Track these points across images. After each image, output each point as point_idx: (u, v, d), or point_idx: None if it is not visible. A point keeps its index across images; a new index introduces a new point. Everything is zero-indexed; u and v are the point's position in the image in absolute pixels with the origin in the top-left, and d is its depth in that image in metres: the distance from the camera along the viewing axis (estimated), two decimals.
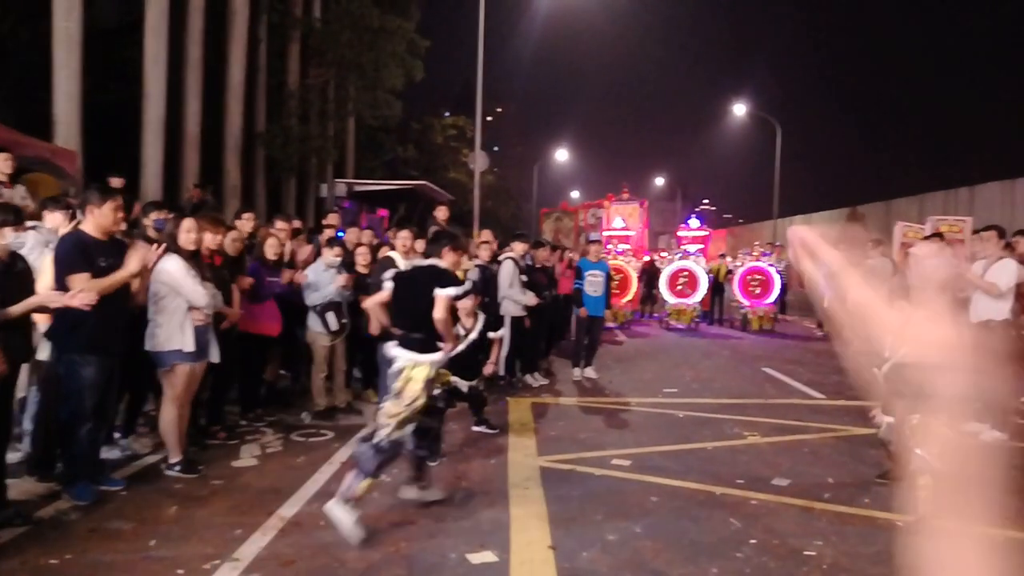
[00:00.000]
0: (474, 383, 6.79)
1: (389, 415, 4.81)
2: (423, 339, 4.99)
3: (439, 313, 4.90)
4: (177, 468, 5.64)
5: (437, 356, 5.02)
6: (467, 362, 6.73)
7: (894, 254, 15.81)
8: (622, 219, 21.12)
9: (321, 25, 23.56)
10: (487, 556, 4.38)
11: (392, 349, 5.06)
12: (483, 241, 9.34)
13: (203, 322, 5.65)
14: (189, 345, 5.55)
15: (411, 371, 4.91)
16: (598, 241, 11.99)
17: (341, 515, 4.50)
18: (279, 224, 8.09)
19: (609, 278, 10.78)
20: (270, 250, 7.38)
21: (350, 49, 22.63)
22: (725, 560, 4.40)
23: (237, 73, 20.86)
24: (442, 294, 4.92)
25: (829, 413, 8.53)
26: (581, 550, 4.49)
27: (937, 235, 11.72)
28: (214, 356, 5.85)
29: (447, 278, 5.05)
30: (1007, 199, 18.01)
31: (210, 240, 6.13)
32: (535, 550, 4.48)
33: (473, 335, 6.76)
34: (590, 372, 10.50)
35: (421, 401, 4.89)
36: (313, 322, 7.52)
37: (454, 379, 6.56)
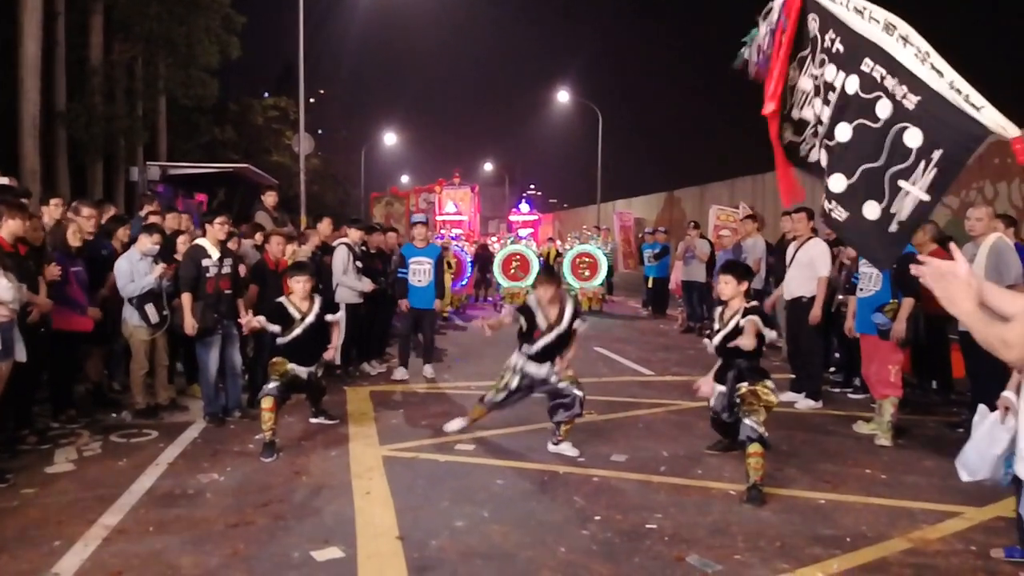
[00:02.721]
0: (312, 369, 6.54)
1: None
2: None
3: None
4: None
5: None
6: (305, 348, 6.47)
7: (710, 234, 16.77)
8: (454, 204, 21.11)
9: None
10: (333, 552, 4.22)
11: None
12: (308, 228, 9.00)
13: (8, 318, 5.09)
14: None
15: None
16: (424, 223, 9.91)
17: None
18: (85, 211, 7.34)
19: (440, 264, 9.51)
20: (73, 238, 6.73)
21: (159, 23, 21.28)
22: (572, 538, 4.46)
23: (32, 47, 18.96)
24: None
25: (658, 388, 8.89)
26: (429, 539, 4.42)
27: (751, 217, 12.51)
28: (20, 355, 5.28)
29: None
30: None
31: (15, 227, 5.53)
32: (383, 542, 4.36)
33: (310, 318, 6.49)
34: (428, 371, 9.37)
35: None
36: (130, 315, 6.96)
37: (291, 366, 6.31)
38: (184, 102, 25.64)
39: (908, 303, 6.46)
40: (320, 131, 54.39)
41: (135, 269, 6.88)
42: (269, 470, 5.66)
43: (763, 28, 5.12)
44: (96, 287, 7.04)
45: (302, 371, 6.43)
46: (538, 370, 6.21)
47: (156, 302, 6.95)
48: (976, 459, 3.02)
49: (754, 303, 5.65)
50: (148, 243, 7.03)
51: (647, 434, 6.85)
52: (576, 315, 6.28)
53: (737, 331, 5.41)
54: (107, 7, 22.26)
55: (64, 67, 21.19)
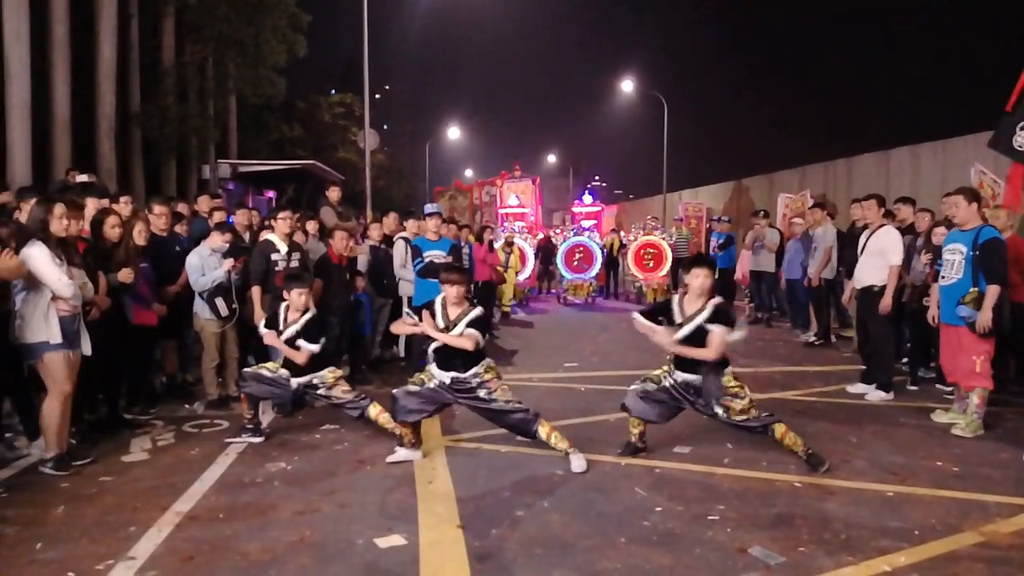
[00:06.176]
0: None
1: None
2: None
3: None
4: (50, 465, 5.33)
5: None
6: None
7: (779, 223, 16.44)
8: (516, 196, 21.14)
9: (197, 0, 22.60)
10: (395, 539, 4.27)
11: None
12: (372, 221, 9.09)
13: (69, 312, 5.30)
14: (55, 336, 5.21)
15: None
16: (437, 214, 9.00)
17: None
18: (157, 208, 7.60)
19: (459, 258, 8.80)
20: (139, 237, 6.92)
21: (228, 24, 21.85)
22: (632, 529, 4.43)
23: (108, 51, 19.82)
24: None
25: None
26: (490, 528, 4.44)
27: (819, 205, 12.22)
28: (85, 348, 5.49)
29: None
30: (882, 169, 18.81)
31: (73, 226, 5.69)
32: (444, 530, 4.41)
33: (288, 331, 6.17)
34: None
35: None
36: (201, 308, 7.19)
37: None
38: (253, 101, 26.25)
39: (993, 291, 6.06)
40: (385, 127, 55.14)
41: (205, 264, 7.11)
42: (335, 460, 5.77)
43: None
44: (169, 283, 7.26)
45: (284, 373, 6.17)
46: None
47: (226, 296, 7.16)
48: None
49: (720, 299, 5.44)
50: (219, 240, 7.26)
51: (711, 426, 6.72)
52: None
53: (701, 332, 5.28)
54: (178, 10, 22.97)
55: (138, 70, 21.96)
